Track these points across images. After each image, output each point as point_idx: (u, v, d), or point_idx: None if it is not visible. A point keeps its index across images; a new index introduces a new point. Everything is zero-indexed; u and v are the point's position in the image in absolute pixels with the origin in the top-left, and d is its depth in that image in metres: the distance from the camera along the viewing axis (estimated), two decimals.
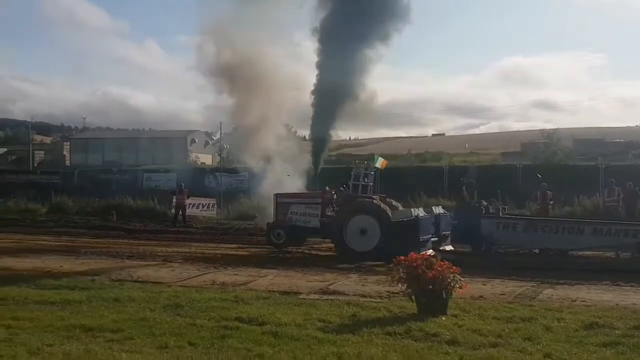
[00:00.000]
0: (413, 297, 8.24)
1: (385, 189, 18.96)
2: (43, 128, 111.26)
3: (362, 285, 10.95)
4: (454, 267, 8.13)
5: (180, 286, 10.82)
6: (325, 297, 9.84)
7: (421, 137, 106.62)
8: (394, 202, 15.95)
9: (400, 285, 8.34)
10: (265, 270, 12.91)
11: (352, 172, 16.05)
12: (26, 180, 36.49)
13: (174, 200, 25.51)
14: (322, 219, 15.92)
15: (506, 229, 14.89)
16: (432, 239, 14.92)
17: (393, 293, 9.43)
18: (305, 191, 17.79)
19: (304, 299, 9.61)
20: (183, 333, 7.20)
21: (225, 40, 20.75)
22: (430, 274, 7.95)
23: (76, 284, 10.78)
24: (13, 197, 30.78)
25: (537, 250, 15.05)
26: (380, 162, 17.09)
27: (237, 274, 12.36)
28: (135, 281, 11.41)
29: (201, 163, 58.89)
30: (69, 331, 7.30)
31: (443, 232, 15.50)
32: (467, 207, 16.71)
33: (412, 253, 8.51)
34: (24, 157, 64.71)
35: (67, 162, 67.25)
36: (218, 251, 16.40)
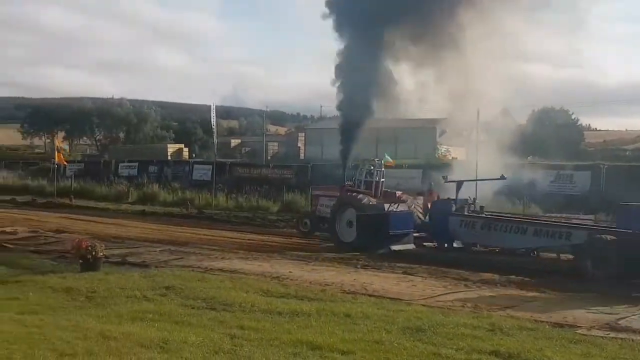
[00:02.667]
0: None
1: None
2: (278, 117, 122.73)
3: None
4: None
5: (423, 305, 10.83)
6: (613, 334, 8.96)
7: None
8: (409, 200, 19.93)
9: None
10: (531, 294, 12.32)
11: (358, 169, 20.95)
12: (258, 175, 40.37)
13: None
14: None
15: (467, 227, 17.86)
16: (413, 234, 18.65)
17: None
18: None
19: (584, 335, 8.87)
20: None
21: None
22: None
23: (305, 293, 11.48)
24: (245, 192, 34.09)
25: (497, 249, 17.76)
26: (389, 159, 21.68)
27: (493, 295, 11.99)
28: (370, 295, 11.75)
29: (452, 158, 58.81)
30: (296, 347, 7.73)
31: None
32: (438, 203, 19.36)
33: None
34: (258, 149, 71.98)
35: (302, 155, 72.61)
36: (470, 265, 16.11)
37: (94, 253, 13.47)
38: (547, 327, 9.35)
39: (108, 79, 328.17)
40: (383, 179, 20.43)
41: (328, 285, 12.67)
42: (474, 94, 22.59)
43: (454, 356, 7.51)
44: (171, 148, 72.51)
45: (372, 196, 19.75)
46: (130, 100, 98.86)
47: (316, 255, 17.26)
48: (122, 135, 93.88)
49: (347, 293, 11.84)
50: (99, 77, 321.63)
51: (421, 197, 21.03)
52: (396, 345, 7.92)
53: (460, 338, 8.35)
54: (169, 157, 63.31)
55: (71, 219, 26.55)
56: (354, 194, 19.90)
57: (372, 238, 17.93)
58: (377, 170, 20.38)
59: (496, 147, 22.96)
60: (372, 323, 9.14)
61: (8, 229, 21.57)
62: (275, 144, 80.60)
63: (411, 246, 18.39)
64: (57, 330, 8.08)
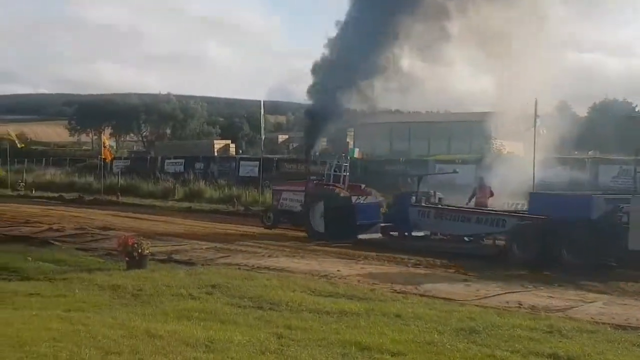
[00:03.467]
0: None
1: None
2: None
3: None
4: None
5: (477, 306, 10.69)
6: None
7: None
8: (373, 192, 21.68)
9: None
10: (592, 295, 12.07)
11: (327, 164, 23.29)
12: (305, 171, 40.37)
13: (473, 198, 25.09)
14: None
15: (424, 217, 20.09)
16: (380, 224, 20.59)
17: None
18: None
19: None
20: None
21: None
22: None
23: (354, 292, 11.45)
24: None
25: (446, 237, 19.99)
26: (357, 153, 24.55)
27: (552, 296, 11.78)
28: (422, 295, 11.66)
29: (507, 152, 57.85)
30: (344, 348, 7.72)
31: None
32: (401, 195, 21.60)
33: None
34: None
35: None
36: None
37: (140, 250, 13.68)
38: (609, 329, 9.13)
39: (155, 74, 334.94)
40: (347, 173, 22.60)
41: (377, 284, 12.64)
42: (529, 85, 22.23)
43: (510, 358, 7.40)
44: (218, 144, 73.34)
45: (341, 189, 21.75)
46: (177, 96, 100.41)
47: (365, 253, 17.20)
48: (168, 131, 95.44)
49: (398, 293, 11.77)
50: (147, 73, 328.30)
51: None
52: (449, 346, 7.83)
53: (516, 340, 8.22)
54: (216, 154, 64.05)
55: (118, 216, 27.07)
56: (325, 186, 22.08)
57: (340, 228, 20.08)
58: (344, 165, 22.62)
59: (554, 141, 22.56)
60: (423, 324, 9.06)
61: (55, 226, 22.14)
62: (324, 139, 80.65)
63: (378, 235, 20.41)
64: (103, 328, 8.24)
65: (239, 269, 14.33)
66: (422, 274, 14.49)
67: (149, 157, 57.16)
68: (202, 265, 14.78)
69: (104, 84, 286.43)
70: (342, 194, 21.28)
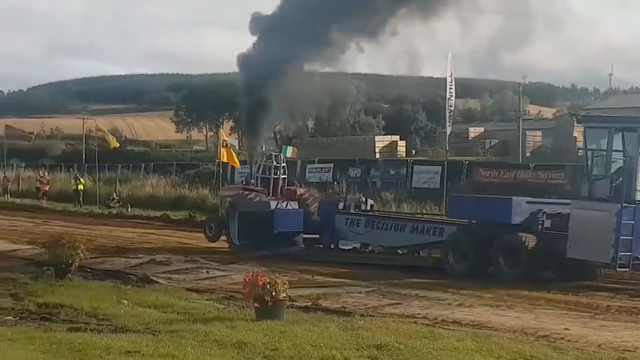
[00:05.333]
0: None
1: None
2: (542, 94, 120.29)
3: None
4: None
5: None
6: None
7: None
8: (313, 198, 26.35)
9: None
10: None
11: (258, 166, 27.37)
12: (511, 179, 40.10)
13: None
14: None
15: (352, 225, 23.94)
16: (302, 235, 24.77)
17: None
18: None
19: None
20: None
21: None
22: None
23: None
24: None
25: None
26: (290, 152, 28.09)
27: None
28: None
29: None
30: None
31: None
32: (325, 201, 26.23)
33: None
34: (510, 141, 71.16)
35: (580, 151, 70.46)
36: None
37: (273, 294, 13.86)
38: None
39: None
40: (284, 176, 26.80)
41: (629, 351, 12.25)
42: None
43: None
44: (380, 142, 73.67)
45: (266, 194, 25.71)
46: (322, 74, 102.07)
47: (607, 302, 16.67)
48: (310, 123, 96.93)
49: None
50: None
51: None
52: None
53: None
54: (377, 155, 64.44)
55: None
56: (245, 192, 26.24)
57: (255, 238, 24.28)
58: (274, 166, 26.61)
59: None
60: None
61: (158, 257, 23.06)
62: (538, 133, 78.96)
63: (298, 248, 24.53)
64: None
65: (415, 323, 14.26)
66: None
67: None
68: (362, 316, 14.79)
69: (219, 59, 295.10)
70: (257, 199, 25.34)
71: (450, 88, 35.35)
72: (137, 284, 18.39)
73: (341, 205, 24.58)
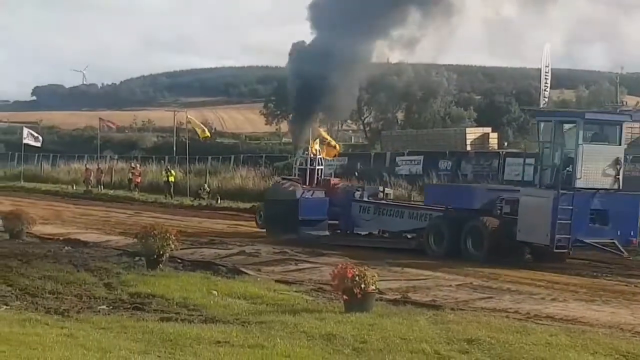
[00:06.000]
0: None
1: None
2: None
3: None
4: None
5: None
6: None
7: None
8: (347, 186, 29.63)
9: None
10: None
11: (296, 158, 31.18)
12: None
13: None
14: None
15: (364, 212, 26.99)
16: (327, 221, 27.42)
17: None
18: None
19: None
20: None
21: None
22: None
23: None
24: None
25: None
26: (318, 144, 29.80)
27: None
28: None
29: None
30: None
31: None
32: (344, 190, 28.54)
33: None
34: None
35: None
36: None
37: (362, 286, 13.87)
38: None
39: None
40: (320, 167, 29.35)
41: None
42: None
43: None
44: (472, 133, 72.96)
45: (301, 184, 27.90)
46: (413, 65, 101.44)
47: None
48: (400, 115, 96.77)
49: None
50: None
51: None
52: None
53: None
54: (469, 148, 63.85)
55: None
56: (282, 182, 29.32)
57: (281, 224, 26.87)
58: (310, 159, 29.17)
59: None
60: None
61: (248, 249, 23.29)
62: (636, 125, 77.30)
63: (324, 233, 26.99)
64: None
65: (507, 317, 14.13)
66: None
67: (372, 154, 58.40)
68: (452, 309, 14.73)
69: None
70: (284, 188, 28.06)
71: (545, 79, 34.96)
72: (226, 275, 18.59)
73: (358, 194, 27.40)
